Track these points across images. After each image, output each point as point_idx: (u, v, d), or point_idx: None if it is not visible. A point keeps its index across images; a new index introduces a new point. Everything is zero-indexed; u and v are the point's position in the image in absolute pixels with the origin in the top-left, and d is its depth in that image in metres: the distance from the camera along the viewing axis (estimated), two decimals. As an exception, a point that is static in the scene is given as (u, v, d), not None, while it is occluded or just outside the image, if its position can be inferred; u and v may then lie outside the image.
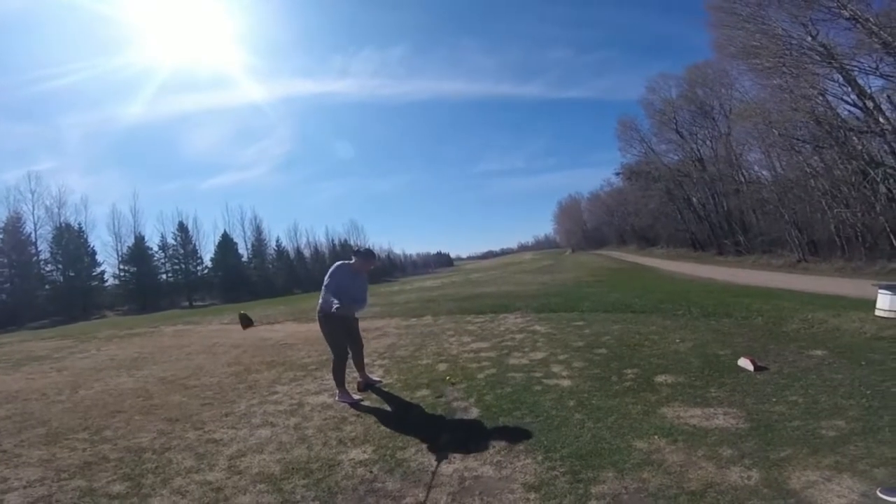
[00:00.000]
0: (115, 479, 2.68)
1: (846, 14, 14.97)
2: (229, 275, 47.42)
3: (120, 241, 43.65)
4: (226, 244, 49.94)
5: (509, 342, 5.67)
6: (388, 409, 3.73)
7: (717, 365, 4.08)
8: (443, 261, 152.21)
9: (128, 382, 5.15)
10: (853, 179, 18.89)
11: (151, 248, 45.67)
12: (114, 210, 44.50)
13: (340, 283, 3.93)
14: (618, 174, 48.12)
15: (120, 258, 43.18)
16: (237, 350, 6.89)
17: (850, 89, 17.03)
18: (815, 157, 20.45)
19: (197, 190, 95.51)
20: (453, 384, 4.17)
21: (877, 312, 6.12)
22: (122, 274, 43.05)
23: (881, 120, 16.32)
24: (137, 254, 43.54)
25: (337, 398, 3.94)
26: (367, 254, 4.14)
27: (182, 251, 47.25)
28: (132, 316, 31.11)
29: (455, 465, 2.67)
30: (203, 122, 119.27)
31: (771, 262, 23.05)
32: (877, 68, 15.27)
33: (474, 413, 3.45)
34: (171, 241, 46.96)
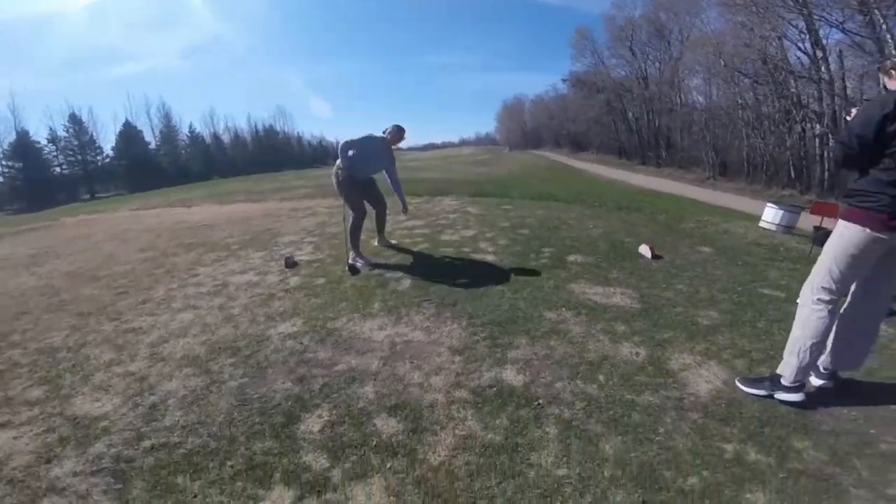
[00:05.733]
0: (32, 385, 2.49)
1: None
2: (135, 163, 43.22)
3: (-1, 139, 37.76)
4: (128, 133, 45.11)
5: (443, 221, 5.86)
6: (319, 283, 3.73)
7: (622, 250, 4.45)
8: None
9: (29, 281, 4.64)
10: (777, 116, 20.53)
11: (39, 143, 40.55)
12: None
13: (362, 151, 4.06)
14: (564, 81, 47.91)
15: (2, 155, 38.02)
16: (150, 234, 6.45)
17: (807, 37, 17.73)
18: (750, 92, 21.92)
19: (93, 82, 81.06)
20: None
21: (761, 223, 7.05)
22: (5, 171, 38.33)
23: (823, 70, 17.38)
24: (21, 149, 38.49)
25: (352, 261, 3.99)
26: (399, 128, 4.31)
27: (77, 142, 42.45)
28: (25, 214, 27.48)
29: (387, 331, 2.82)
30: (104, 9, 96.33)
31: (685, 175, 25.41)
32: (843, 23, 15.83)
33: (406, 284, 3.59)
34: (62, 133, 41.77)
